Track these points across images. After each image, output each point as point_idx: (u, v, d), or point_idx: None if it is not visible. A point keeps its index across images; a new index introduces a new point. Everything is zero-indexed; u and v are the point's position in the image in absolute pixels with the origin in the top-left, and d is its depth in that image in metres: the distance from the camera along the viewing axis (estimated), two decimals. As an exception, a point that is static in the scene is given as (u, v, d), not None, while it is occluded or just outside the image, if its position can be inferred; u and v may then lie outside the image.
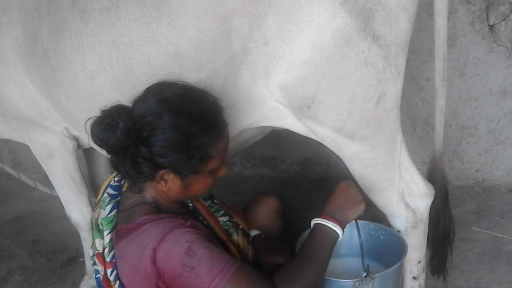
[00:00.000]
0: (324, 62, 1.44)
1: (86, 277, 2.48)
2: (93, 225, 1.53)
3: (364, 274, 1.55)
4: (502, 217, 2.50)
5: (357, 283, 1.55)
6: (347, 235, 1.53)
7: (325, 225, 1.44)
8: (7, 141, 3.13)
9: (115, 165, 1.43)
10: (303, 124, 1.61)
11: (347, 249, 1.78)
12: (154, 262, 1.32)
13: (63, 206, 2.30)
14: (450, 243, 1.92)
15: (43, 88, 1.75)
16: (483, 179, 2.73)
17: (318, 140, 1.66)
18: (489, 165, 2.70)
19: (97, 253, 1.47)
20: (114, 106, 1.38)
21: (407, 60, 1.55)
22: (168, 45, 1.47)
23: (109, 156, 1.44)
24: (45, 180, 2.34)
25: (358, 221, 1.58)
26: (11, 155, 3.68)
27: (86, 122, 1.39)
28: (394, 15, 1.42)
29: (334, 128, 1.56)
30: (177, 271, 1.30)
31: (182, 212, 1.57)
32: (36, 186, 2.61)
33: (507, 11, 2.40)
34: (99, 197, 1.60)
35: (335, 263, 1.47)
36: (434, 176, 1.85)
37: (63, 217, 2.42)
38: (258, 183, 3.22)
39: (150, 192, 1.47)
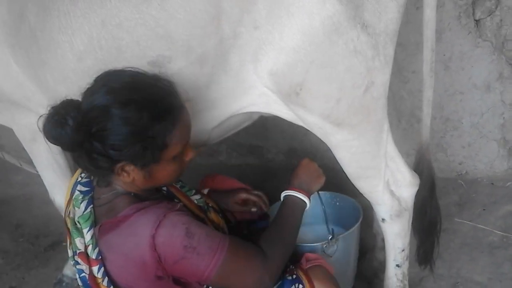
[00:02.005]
0: (313, 49, 1.44)
1: (69, 262, 2.47)
2: (70, 225, 1.48)
3: (330, 237, 1.86)
4: (484, 209, 2.54)
5: (324, 245, 1.85)
6: (310, 206, 1.69)
7: (295, 196, 1.64)
8: (-11, 125, 3.09)
9: (76, 160, 1.42)
10: (291, 111, 1.62)
11: (311, 218, 1.91)
12: (154, 249, 1.32)
13: (46, 190, 2.28)
14: (437, 234, 1.95)
15: (29, 69, 1.73)
16: (466, 172, 2.77)
17: (306, 127, 1.67)
18: (472, 158, 2.73)
19: (79, 252, 1.42)
20: (62, 101, 1.35)
21: (394, 52, 1.56)
22: (157, 27, 1.46)
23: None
24: (29, 163, 2.32)
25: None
26: (-7, 139, 3.63)
27: (38, 120, 1.37)
28: (383, 4, 1.43)
29: (322, 115, 1.56)
30: (180, 254, 1.32)
31: (159, 197, 1.56)
32: (21, 165, 2.58)
33: (492, 7, 2.42)
34: (68, 196, 1.55)
35: (302, 231, 1.67)
36: (421, 167, 1.87)
37: (47, 201, 2.40)
38: (244, 172, 3.22)
39: (119, 184, 1.44)
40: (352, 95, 1.52)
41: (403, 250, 1.90)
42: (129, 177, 1.40)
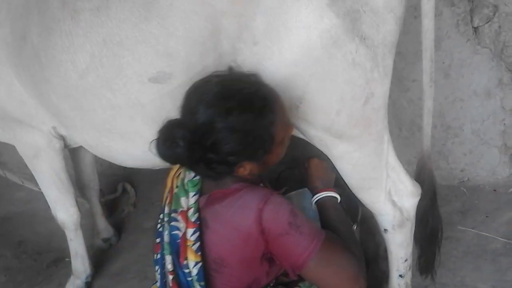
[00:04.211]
0: (312, 62, 1.45)
1: (72, 278, 2.47)
2: (179, 185, 1.54)
3: (355, 226, 1.91)
4: (487, 216, 2.53)
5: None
6: (309, 204, 1.70)
7: (329, 196, 1.64)
8: (-9, 142, 3.10)
9: (194, 170, 1.47)
10: (292, 124, 1.62)
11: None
12: (259, 222, 1.36)
13: (48, 207, 2.29)
14: (438, 243, 1.94)
15: (32, 87, 1.75)
16: (468, 179, 2.76)
17: (307, 139, 1.68)
18: (474, 165, 2.73)
19: (181, 211, 1.48)
20: (165, 125, 1.38)
21: (394, 62, 1.57)
22: (157, 45, 1.47)
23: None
24: (31, 180, 2.32)
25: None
26: (-5, 155, 3.64)
27: (150, 144, 1.39)
28: (381, 16, 1.44)
29: (322, 127, 1.57)
30: (284, 229, 1.36)
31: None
32: (23, 183, 2.60)
33: (490, 14, 2.43)
34: None
35: None
36: (423, 176, 1.87)
37: (49, 218, 2.40)
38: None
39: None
40: (352, 107, 1.53)
41: (406, 260, 1.89)
42: (246, 171, 1.44)
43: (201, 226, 1.44)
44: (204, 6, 1.42)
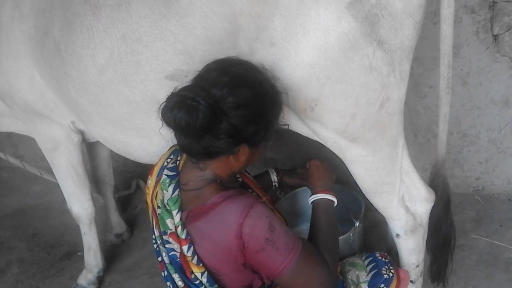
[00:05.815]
0: (329, 65, 1.45)
1: (84, 271, 2.50)
2: (161, 206, 1.54)
3: (358, 223, 1.98)
4: (500, 226, 2.51)
5: (351, 234, 1.97)
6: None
7: (325, 198, 1.66)
8: (9, 135, 3.15)
9: (188, 147, 1.44)
10: (307, 126, 1.63)
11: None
12: (240, 237, 1.39)
13: (63, 200, 2.32)
14: (451, 250, 1.93)
15: (53, 81, 1.78)
16: (483, 188, 2.74)
17: (321, 142, 1.68)
18: (489, 173, 2.70)
19: (170, 232, 1.50)
20: (183, 89, 1.39)
21: (411, 67, 1.56)
22: (176, 42, 1.49)
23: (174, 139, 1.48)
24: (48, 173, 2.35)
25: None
26: (12, 148, 3.69)
27: (159, 108, 1.38)
28: (399, 21, 1.44)
29: (337, 130, 1.57)
30: (261, 246, 1.39)
31: (237, 186, 1.63)
32: (41, 174, 2.63)
33: (511, 22, 2.41)
34: (153, 180, 1.61)
35: (303, 230, 1.73)
36: (436, 182, 1.86)
37: (63, 212, 2.44)
38: (259, 184, 3.22)
39: (213, 168, 1.48)
40: (367, 111, 1.53)
41: (417, 266, 1.89)
42: (236, 157, 1.45)
43: (191, 240, 1.47)
44: (223, 6, 1.43)
